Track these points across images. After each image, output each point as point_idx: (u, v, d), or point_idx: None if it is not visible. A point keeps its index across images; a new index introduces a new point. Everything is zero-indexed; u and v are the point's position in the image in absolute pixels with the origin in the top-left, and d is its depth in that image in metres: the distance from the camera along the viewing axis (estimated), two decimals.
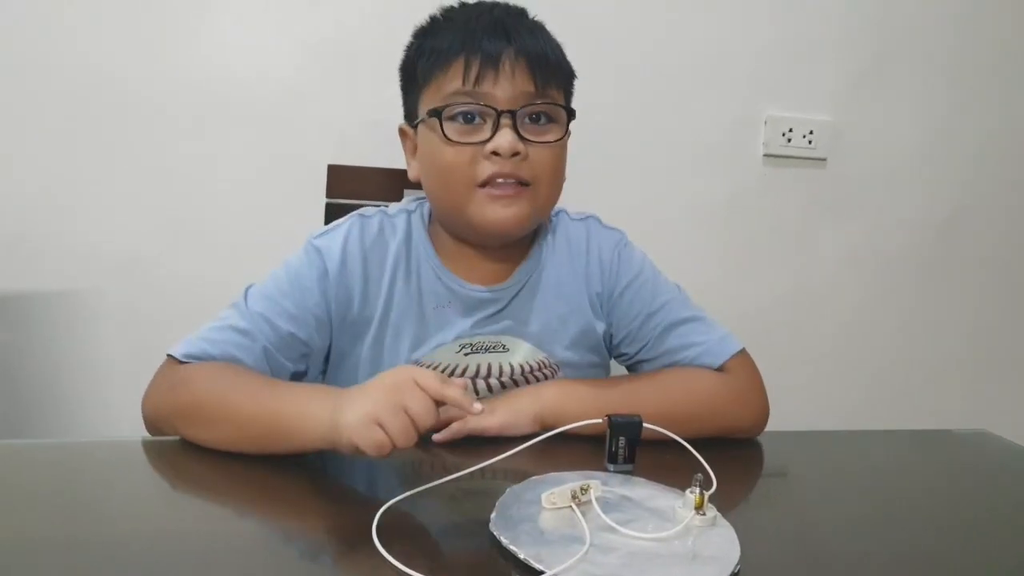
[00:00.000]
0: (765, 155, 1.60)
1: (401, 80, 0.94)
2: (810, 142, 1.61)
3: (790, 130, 1.59)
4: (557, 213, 0.99)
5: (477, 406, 0.67)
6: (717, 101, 1.56)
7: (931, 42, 1.64)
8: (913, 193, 1.69)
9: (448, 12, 0.91)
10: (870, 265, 1.70)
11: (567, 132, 0.89)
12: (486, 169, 0.84)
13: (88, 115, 1.33)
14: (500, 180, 0.84)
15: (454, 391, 0.66)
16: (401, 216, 0.94)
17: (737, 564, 0.57)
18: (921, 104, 1.66)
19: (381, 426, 0.64)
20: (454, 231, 0.92)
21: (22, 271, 1.35)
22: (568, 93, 0.92)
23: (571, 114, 0.90)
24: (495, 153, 0.83)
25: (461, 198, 0.86)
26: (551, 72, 0.87)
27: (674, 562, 0.57)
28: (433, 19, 0.91)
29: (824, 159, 1.63)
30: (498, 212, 0.85)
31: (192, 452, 0.75)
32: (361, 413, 0.65)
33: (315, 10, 1.37)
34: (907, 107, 1.65)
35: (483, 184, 0.84)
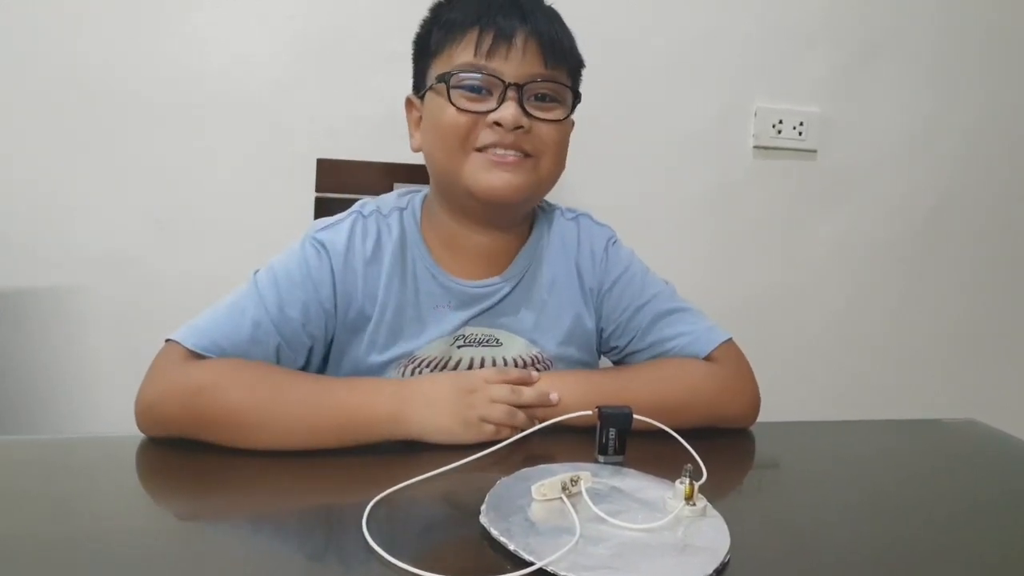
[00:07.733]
0: (755, 147, 1.60)
1: (414, 51, 0.95)
2: (800, 134, 1.61)
3: (780, 122, 1.59)
4: (553, 210, 1.00)
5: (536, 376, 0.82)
6: (707, 93, 1.56)
7: (919, 33, 1.64)
8: (902, 183, 1.69)
9: None
10: (859, 256, 1.71)
11: (571, 115, 0.91)
12: (487, 137, 0.85)
13: (73, 110, 1.32)
14: (500, 151, 0.85)
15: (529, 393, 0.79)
16: (395, 215, 0.94)
17: (727, 554, 0.57)
18: (910, 95, 1.66)
19: (485, 420, 0.75)
20: (451, 203, 0.92)
21: (7, 268, 1.34)
22: (576, 80, 0.93)
23: (577, 97, 0.91)
24: (498, 124, 0.84)
25: (458, 161, 0.86)
26: (561, 56, 0.88)
27: (664, 552, 0.57)
28: None
29: (814, 151, 1.63)
30: (494, 177, 0.85)
31: (179, 448, 0.74)
32: (447, 416, 0.74)
33: (303, 3, 1.36)
34: (896, 98, 1.65)
35: (481, 149, 0.85)
